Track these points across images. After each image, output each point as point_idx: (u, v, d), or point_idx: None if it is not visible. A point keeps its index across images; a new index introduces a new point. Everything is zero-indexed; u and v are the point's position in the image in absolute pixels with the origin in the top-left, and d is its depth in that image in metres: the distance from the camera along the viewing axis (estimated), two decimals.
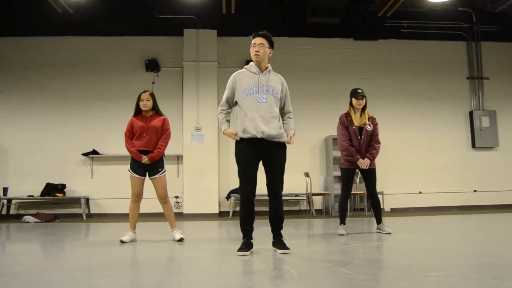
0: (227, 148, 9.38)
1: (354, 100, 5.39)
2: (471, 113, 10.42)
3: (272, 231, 4.01)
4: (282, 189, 3.97)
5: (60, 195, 9.25)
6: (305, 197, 9.62)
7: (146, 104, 4.99)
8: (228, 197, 9.45)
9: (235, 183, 9.54)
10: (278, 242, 3.93)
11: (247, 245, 3.85)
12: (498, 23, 10.34)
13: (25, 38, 9.79)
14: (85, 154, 9.55)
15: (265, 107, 3.85)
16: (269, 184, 3.92)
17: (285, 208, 11.02)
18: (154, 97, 5.09)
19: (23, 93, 9.75)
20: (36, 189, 9.23)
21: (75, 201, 9.38)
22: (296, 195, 9.56)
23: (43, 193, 9.20)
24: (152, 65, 9.75)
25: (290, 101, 4.12)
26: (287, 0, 9.66)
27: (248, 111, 3.84)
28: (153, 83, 9.60)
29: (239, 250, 3.79)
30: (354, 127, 5.36)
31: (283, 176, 3.97)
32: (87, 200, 9.42)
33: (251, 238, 3.92)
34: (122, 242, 4.80)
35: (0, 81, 9.75)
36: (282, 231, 4.01)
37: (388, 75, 10.41)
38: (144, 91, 5.08)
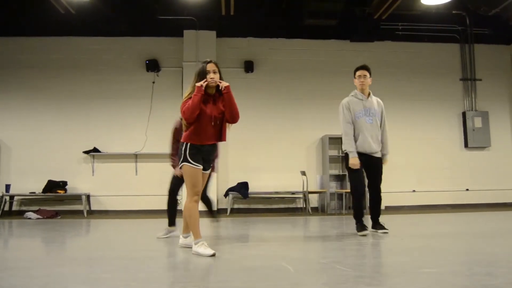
0: (224, 148, 9.54)
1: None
2: (464, 114, 10.60)
3: (372, 218, 5.21)
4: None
5: (61, 192, 9.37)
6: (301, 195, 9.77)
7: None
8: (226, 194, 9.61)
9: (232, 181, 9.75)
10: (377, 225, 5.13)
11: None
12: (491, 26, 10.48)
13: (27, 38, 9.89)
14: (86, 152, 9.67)
15: (372, 127, 5.03)
16: (372, 186, 5.13)
17: (281, 206, 11.10)
18: None
19: (25, 92, 9.86)
20: (38, 186, 9.35)
21: (76, 198, 9.50)
22: (293, 193, 9.72)
23: (45, 190, 9.32)
24: (153, 65, 9.87)
25: (386, 119, 5.28)
26: (285, 2, 9.81)
27: (361, 131, 4.98)
28: (153, 82, 9.73)
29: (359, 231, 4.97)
30: None
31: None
32: (88, 197, 9.56)
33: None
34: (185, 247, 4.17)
35: (2, 80, 9.86)
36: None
37: (383, 76, 10.49)
38: None
